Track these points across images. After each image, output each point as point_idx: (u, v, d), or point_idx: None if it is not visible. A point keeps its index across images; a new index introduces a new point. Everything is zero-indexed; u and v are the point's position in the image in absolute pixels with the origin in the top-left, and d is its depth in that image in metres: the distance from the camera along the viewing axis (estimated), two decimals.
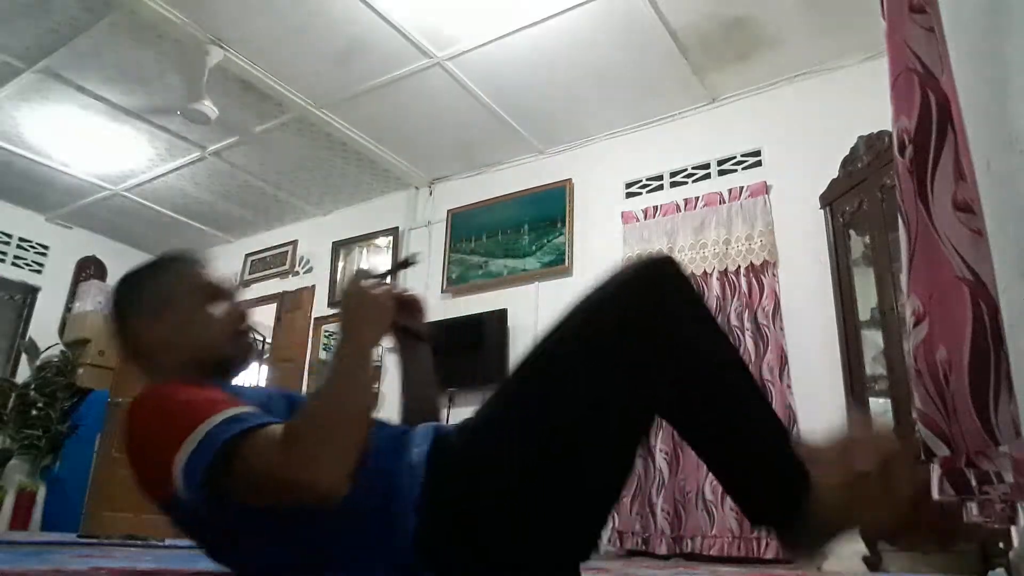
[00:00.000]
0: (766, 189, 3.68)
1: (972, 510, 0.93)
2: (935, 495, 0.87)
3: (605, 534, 0.98)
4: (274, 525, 0.88)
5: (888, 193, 2.78)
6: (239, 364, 1.07)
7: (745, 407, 0.90)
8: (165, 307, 1.04)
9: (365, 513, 0.87)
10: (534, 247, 4.44)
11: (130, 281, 1.10)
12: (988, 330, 0.74)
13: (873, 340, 2.90)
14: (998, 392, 0.73)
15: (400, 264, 1.25)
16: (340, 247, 5.39)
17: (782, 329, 3.40)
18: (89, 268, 6.14)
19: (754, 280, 3.54)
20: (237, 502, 0.83)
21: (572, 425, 0.88)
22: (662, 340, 0.88)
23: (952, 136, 0.83)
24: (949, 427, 0.80)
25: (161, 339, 1.02)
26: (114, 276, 6.13)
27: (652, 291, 0.90)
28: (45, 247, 5.89)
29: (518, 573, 0.88)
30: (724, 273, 3.62)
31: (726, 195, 3.76)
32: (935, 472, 0.88)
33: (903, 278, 0.84)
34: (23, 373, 5.51)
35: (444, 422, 1.12)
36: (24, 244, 5.77)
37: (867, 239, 3.01)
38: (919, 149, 0.88)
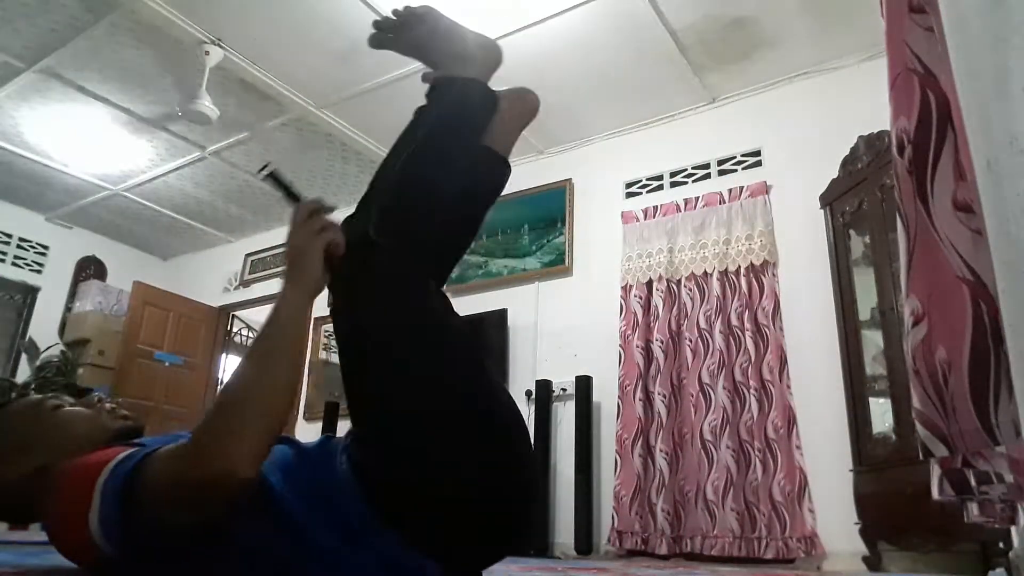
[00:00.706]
0: (766, 189, 3.67)
1: (973, 510, 0.93)
2: (935, 495, 0.87)
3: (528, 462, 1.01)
4: (226, 552, 0.86)
5: (888, 193, 2.78)
6: (127, 438, 1.03)
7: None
8: (28, 441, 1.01)
9: (320, 522, 0.86)
10: (534, 247, 4.44)
11: None
12: (988, 330, 0.73)
13: (873, 340, 2.90)
14: (998, 392, 0.72)
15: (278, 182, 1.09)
16: None
17: (782, 329, 3.40)
18: (89, 268, 6.14)
19: (754, 280, 3.54)
20: (167, 533, 0.81)
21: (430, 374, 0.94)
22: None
23: (952, 136, 0.83)
24: (948, 427, 0.80)
25: (45, 462, 0.98)
26: (114, 276, 6.15)
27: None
28: (45, 247, 5.89)
29: (473, 509, 0.89)
30: (724, 273, 3.62)
31: (726, 195, 3.76)
32: (935, 472, 0.88)
33: (902, 278, 0.84)
34: (23, 373, 5.51)
35: None
36: (24, 244, 5.77)
37: (867, 239, 3.01)
38: (918, 149, 0.88)
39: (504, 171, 1.19)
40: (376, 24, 1.20)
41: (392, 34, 1.21)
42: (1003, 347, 0.72)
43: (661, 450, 3.45)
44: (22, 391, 5.17)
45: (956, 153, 0.83)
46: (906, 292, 0.84)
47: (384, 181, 1.09)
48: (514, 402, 0.99)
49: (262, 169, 1.07)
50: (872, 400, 2.86)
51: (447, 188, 1.07)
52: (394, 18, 1.19)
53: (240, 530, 0.84)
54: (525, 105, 1.28)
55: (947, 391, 0.78)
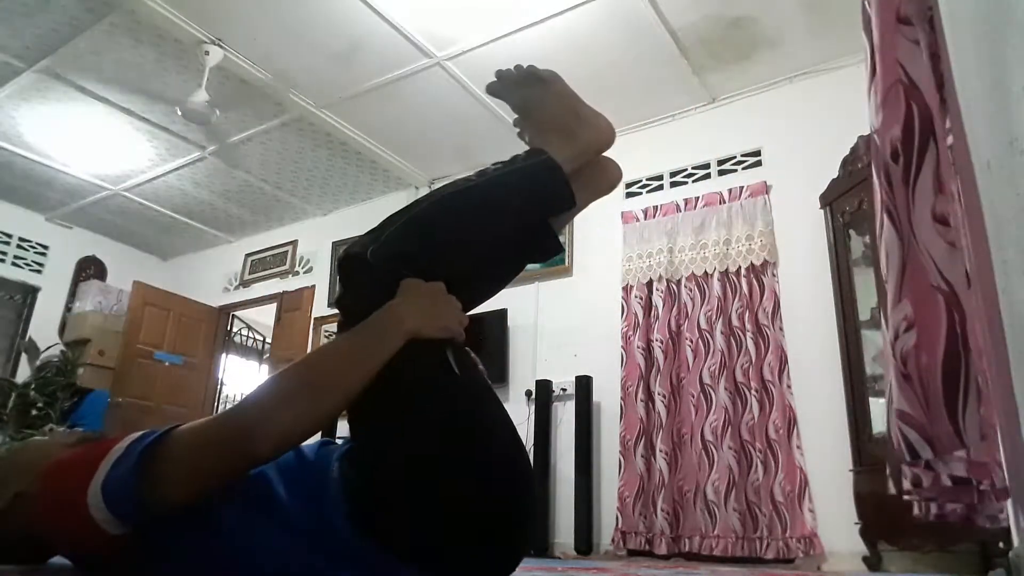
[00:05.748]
0: (766, 189, 3.68)
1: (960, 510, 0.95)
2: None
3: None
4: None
5: None
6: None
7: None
8: None
9: (303, 525, 0.85)
10: None
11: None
12: (960, 337, 0.79)
13: (873, 340, 2.90)
14: (967, 397, 0.78)
15: None
16: (340, 247, 5.39)
17: (782, 329, 3.40)
18: (89, 268, 6.14)
19: (754, 280, 3.54)
20: (170, 507, 0.80)
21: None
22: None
23: (933, 149, 0.85)
24: (932, 430, 0.82)
25: (19, 489, 0.92)
26: (114, 276, 6.15)
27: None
28: (45, 247, 5.89)
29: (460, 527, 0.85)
30: (725, 274, 3.61)
31: (726, 195, 3.76)
32: (906, 473, 0.90)
33: (891, 283, 0.86)
34: (23, 373, 5.51)
35: None
36: (24, 244, 5.77)
37: (867, 239, 3.00)
38: (904, 159, 0.90)
39: (552, 248, 1.11)
40: (498, 73, 1.22)
41: (510, 88, 1.22)
42: (971, 355, 0.78)
43: (661, 450, 3.46)
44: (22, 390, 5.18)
45: (936, 166, 0.85)
46: (897, 297, 0.86)
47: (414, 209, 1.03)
48: (512, 425, 0.93)
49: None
50: (872, 400, 2.86)
51: (479, 238, 1.03)
52: (515, 72, 1.20)
53: (230, 519, 0.84)
54: (601, 186, 1.20)
55: (931, 395, 0.81)
